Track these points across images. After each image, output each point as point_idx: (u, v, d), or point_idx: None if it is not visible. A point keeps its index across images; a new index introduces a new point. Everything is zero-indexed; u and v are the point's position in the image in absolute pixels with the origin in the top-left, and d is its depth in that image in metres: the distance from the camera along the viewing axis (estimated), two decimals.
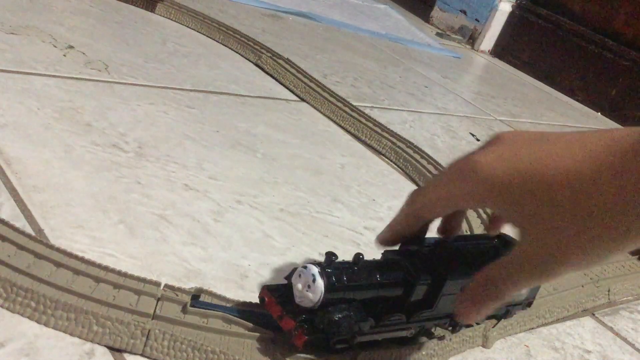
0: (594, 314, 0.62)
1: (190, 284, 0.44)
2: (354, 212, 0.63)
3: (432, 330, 0.45)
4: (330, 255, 0.38)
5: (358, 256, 0.39)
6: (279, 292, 0.39)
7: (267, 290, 0.39)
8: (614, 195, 0.28)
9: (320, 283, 0.37)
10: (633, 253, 0.75)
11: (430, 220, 0.39)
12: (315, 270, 0.37)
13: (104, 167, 0.54)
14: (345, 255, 0.41)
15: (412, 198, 0.38)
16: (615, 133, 0.30)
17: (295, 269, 0.38)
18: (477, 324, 0.45)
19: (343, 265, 0.39)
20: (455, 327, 0.45)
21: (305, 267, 0.37)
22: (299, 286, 0.37)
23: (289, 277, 0.39)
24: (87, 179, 0.52)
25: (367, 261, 0.40)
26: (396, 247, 0.41)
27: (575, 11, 1.72)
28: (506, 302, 0.45)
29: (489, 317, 0.47)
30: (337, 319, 0.37)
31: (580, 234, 0.29)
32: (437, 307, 0.41)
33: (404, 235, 0.40)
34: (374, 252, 0.42)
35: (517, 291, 0.34)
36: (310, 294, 0.37)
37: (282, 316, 0.38)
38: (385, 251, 0.42)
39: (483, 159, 0.33)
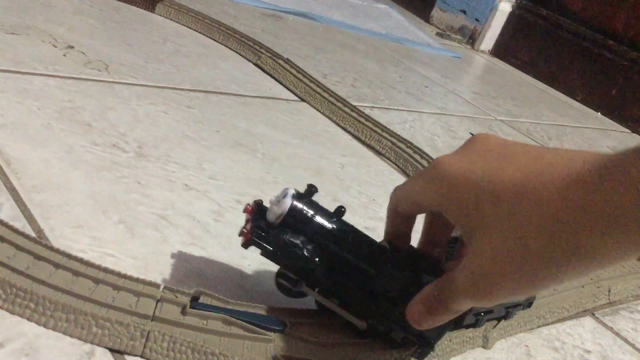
0: (594, 314, 0.62)
1: (190, 284, 0.44)
2: (354, 212, 0.63)
3: (396, 338, 0.41)
4: (310, 187, 0.39)
5: (340, 209, 0.39)
6: (263, 209, 0.40)
7: (256, 203, 0.40)
8: (560, 216, 0.27)
9: (288, 200, 0.38)
10: None
11: (411, 217, 0.39)
12: (290, 191, 0.38)
13: (104, 167, 0.54)
14: None
15: (392, 194, 0.39)
16: (578, 154, 0.28)
17: None
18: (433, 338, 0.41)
19: (322, 208, 0.39)
20: (421, 354, 0.41)
21: (287, 188, 0.39)
22: (272, 199, 0.39)
23: None
24: (87, 179, 0.52)
25: (351, 225, 0.39)
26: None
27: (575, 11, 1.72)
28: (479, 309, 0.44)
29: (490, 319, 0.47)
30: (287, 240, 0.38)
31: (520, 249, 0.29)
32: (402, 308, 0.36)
33: (397, 234, 0.40)
34: None
35: (466, 308, 0.33)
36: (275, 207, 0.38)
37: (248, 220, 0.39)
38: None
39: (447, 159, 0.33)
